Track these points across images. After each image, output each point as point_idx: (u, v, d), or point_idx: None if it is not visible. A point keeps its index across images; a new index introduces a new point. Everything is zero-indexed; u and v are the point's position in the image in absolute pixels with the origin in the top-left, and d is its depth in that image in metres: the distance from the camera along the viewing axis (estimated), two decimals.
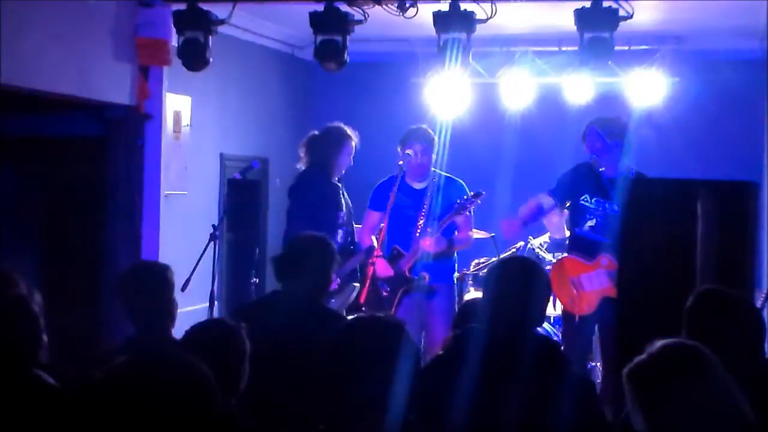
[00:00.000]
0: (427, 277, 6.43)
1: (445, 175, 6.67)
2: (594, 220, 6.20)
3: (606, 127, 6.24)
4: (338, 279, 6.19)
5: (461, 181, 6.66)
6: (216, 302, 6.08)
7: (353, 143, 6.67)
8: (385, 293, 6.46)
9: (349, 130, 6.68)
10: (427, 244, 6.39)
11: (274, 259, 4.50)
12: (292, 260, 4.44)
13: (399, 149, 6.56)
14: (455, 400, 3.16)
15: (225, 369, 3.08)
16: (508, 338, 3.26)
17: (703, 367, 2.52)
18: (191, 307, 5.56)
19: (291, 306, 4.27)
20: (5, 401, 3.10)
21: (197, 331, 3.41)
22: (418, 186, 6.61)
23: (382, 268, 6.44)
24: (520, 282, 3.33)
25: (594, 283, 6.13)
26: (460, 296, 7.15)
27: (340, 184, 6.69)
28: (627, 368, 2.58)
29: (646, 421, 2.49)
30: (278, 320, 4.16)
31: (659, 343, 2.60)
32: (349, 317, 3.76)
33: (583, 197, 6.26)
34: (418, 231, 6.48)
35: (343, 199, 6.66)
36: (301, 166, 6.74)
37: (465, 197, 6.41)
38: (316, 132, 6.77)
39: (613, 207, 6.01)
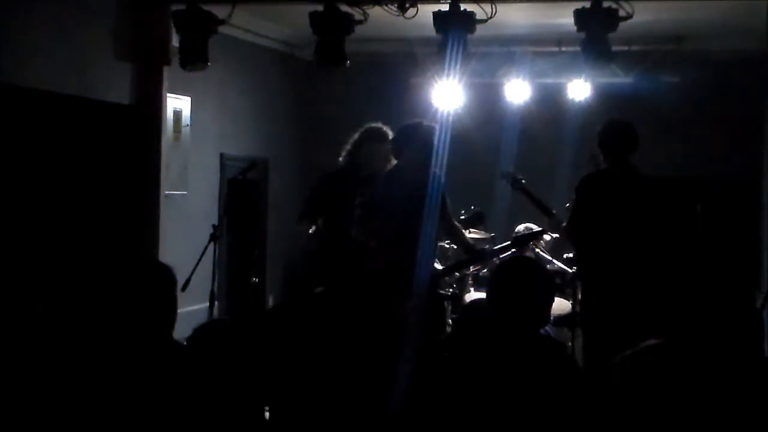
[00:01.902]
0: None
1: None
2: None
3: None
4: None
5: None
6: (216, 302, 6.06)
7: (373, 144, 6.09)
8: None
9: (371, 131, 6.13)
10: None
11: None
12: None
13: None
14: (460, 401, 3.16)
15: (231, 368, 3.11)
16: (512, 339, 3.26)
17: None
18: (191, 307, 5.56)
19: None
20: None
21: (203, 331, 3.42)
22: None
23: None
24: (524, 283, 3.33)
25: None
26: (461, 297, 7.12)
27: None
28: None
29: None
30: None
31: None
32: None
33: None
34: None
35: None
36: None
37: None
38: None
39: None
